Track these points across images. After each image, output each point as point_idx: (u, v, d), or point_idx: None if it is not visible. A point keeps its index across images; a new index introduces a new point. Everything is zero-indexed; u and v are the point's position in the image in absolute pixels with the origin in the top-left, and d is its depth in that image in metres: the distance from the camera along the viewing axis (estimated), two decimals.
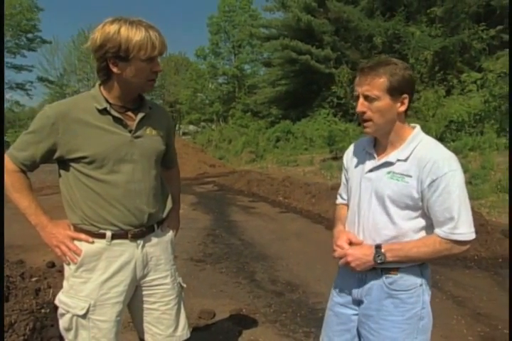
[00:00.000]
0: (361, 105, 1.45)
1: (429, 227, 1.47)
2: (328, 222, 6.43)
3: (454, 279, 3.96)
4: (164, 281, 1.75)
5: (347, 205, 1.70)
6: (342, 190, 1.76)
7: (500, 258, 4.64)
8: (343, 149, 14.58)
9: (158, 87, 48.31)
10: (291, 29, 21.95)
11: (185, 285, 1.90)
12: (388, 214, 1.47)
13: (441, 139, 13.23)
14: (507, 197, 7.68)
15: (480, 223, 5.11)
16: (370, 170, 1.53)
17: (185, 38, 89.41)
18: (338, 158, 14.10)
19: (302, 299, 3.51)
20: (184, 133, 42.12)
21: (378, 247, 1.45)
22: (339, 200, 1.79)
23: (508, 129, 11.87)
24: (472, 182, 8.55)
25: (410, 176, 1.43)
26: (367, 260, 1.45)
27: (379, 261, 1.43)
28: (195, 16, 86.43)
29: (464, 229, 1.40)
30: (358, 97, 1.47)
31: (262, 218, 6.97)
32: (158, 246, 1.73)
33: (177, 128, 46.64)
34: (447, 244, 1.42)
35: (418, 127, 1.53)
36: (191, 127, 42.05)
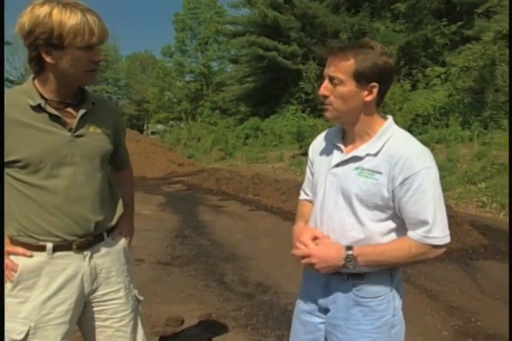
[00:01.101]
0: (324, 88, 1.31)
1: (400, 230, 1.33)
2: None
3: (426, 273, 3.93)
4: (117, 295, 1.58)
5: (311, 202, 1.56)
6: (306, 185, 1.61)
7: (470, 249, 4.66)
8: None
9: (124, 86, 47.45)
10: (257, 25, 21.80)
11: (142, 298, 1.73)
12: (356, 214, 1.32)
13: (409, 132, 13.42)
14: (473, 188, 7.80)
15: (449, 215, 5.10)
16: (337, 165, 1.38)
17: (151, 36, 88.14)
18: (307, 153, 13.97)
19: (274, 300, 3.40)
20: (152, 133, 41.49)
21: (349, 249, 1.29)
22: (302, 196, 1.63)
23: (471, 122, 12.13)
24: (439, 174, 8.63)
25: (380, 173, 1.28)
26: (335, 264, 1.30)
27: (350, 267, 1.29)
28: (160, 13, 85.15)
29: (439, 233, 1.27)
30: (323, 79, 1.33)
31: (231, 217, 6.83)
32: (109, 257, 1.56)
33: (145, 127, 45.91)
34: (422, 248, 1.28)
35: (390, 119, 1.38)
36: (159, 126, 41.43)
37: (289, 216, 6.62)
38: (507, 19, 11.05)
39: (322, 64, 15.21)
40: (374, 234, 1.31)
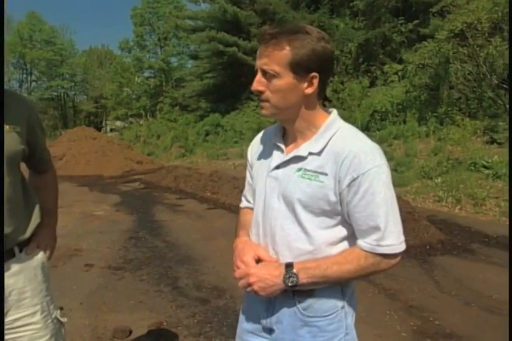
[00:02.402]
0: (257, 83, 1.14)
1: (352, 237, 1.17)
2: None
3: None
4: (32, 320, 1.36)
5: (252, 209, 1.39)
6: (247, 191, 1.42)
7: (427, 245, 4.65)
8: None
9: (81, 82, 45.93)
10: (217, 21, 21.54)
11: (65, 320, 1.50)
12: (300, 222, 1.15)
13: (367, 129, 13.58)
14: (430, 182, 7.91)
15: (407, 211, 5.12)
16: (277, 167, 1.21)
17: (108, 30, 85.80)
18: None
19: (229, 305, 3.23)
20: (111, 130, 40.43)
21: (289, 266, 1.12)
22: (243, 203, 1.45)
23: (428, 118, 12.38)
24: (397, 169, 8.74)
25: (325, 174, 1.12)
26: (274, 282, 1.12)
27: (290, 284, 1.11)
28: (118, 7, 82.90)
29: (393, 240, 1.11)
30: (256, 72, 1.15)
31: (188, 216, 6.61)
32: (22, 275, 1.34)
33: (103, 124, 44.66)
34: (374, 258, 1.11)
35: (335, 112, 1.21)
36: (118, 123, 40.41)
37: None
38: (460, 19, 11.32)
39: None
40: (322, 244, 1.15)
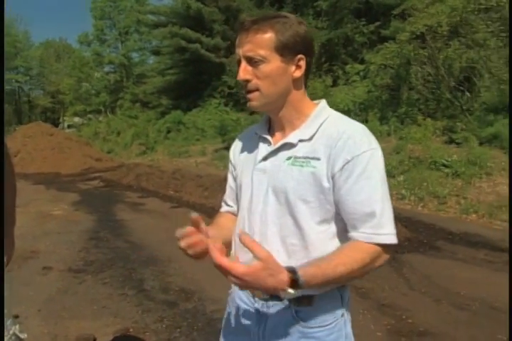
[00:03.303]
0: (243, 71, 1.06)
1: (346, 234, 1.07)
2: None
3: None
4: None
5: (233, 214, 1.29)
6: (228, 196, 1.31)
7: None
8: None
9: (37, 76, 44.21)
10: (180, 16, 21.15)
11: (25, 336, 1.34)
12: (293, 214, 1.06)
13: None
14: (393, 181, 8.03)
15: None
16: (264, 159, 1.13)
17: (66, 23, 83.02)
18: (230, 147, 14.00)
19: (199, 308, 3.10)
20: (69, 126, 39.17)
21: (292, 272, 0.90)
22: (223, 208, 1.33)
23: (388, 117, 12.62)
24: None
25: (318, 159, 1.04)
26: (274, 287, 0.90)
27: (292, 292, 0.92)
28: None
29: (390, 229, 1.02)
30: (239, 62, 1.08)
31: (151, 215, 6.41)
32: None
33: (61, 120, 43.19)
34: (374, 250, 1.00)
35: (324, 101, 1.16)
36: (76, 119, 39.22)
37: (213, 213, 6.25)
38: (420, 21, 11.59)
39: None
40: (316, 240, 1.05)
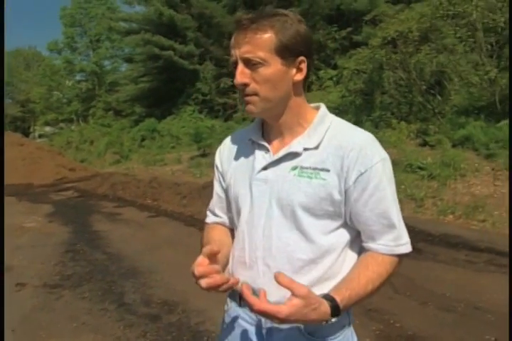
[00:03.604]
0: (241, 74, 0.98)
1: (355, 242, 1.05)
2: (201, 223, 6.00)
3: None
4: None
5: (223, 225, 1.21)
6: (215, 205, 1.23)
7: None
8: (211, 146, 14.62)
9: (6, 85, 43.18)
10: (152, 24, 21.01)
11: None
12: (301, 228, 1.00)
13: None
14: None
15: None
16: (265, 168, 1.05)
17: (35, 30, 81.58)
18: (206, 155, 14.02)
19: (183, 321, 3.01)
20: (40, 136, 38.32)
21: (331, 300, 0.90)
22: (210, 218, 1.25)
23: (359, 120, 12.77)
24: None
25: (327, 170, 0.99)
26: (313, 321, 0.88)
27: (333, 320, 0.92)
28: (46, 6, 78.98)
29: (407, 237, 1.03)
30: (235, 64, 1.00)
31: (129, 225, 6.27)
32: None
33: (31, 130, 42.23)
34: (395, 261, 1.01)
35: (324, 106, 1.09)
36: (48, 128, 38.44)
37: (192, 221, 6.27)
38: (391, 27, 11.82)
39: (219, 65, 15.18)
40: (326, 252, 1.00)
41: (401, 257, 1.02)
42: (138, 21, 22.15)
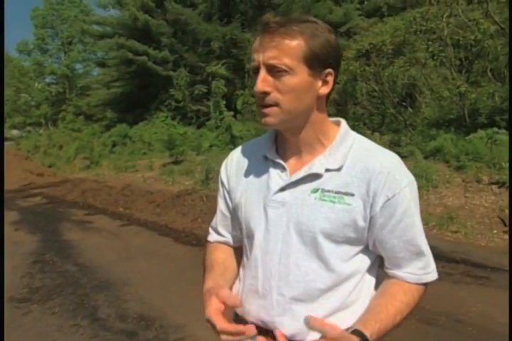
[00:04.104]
0: (262, 82, 0.90)
1: (372, 266, 1.00)
2: (176, 233, 5.91)
3: None
4: None
5: (227, 244, 1.15)
6: (219, 222, 1.16)
7: None
8: (184, 153, 14.45)
9: None
10: (127, 28, 20.78)
11: None
12: (321, 256, 0.93)
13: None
14: None
15: None
16: (282, 189, 0.97)
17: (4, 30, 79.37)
18: (178, 162, 13.83)
19: (161, 337, 2.90)
20: (6, 139, 37.09)
21: (361, 335, 0.86)
22: (213, 236, 1.18)
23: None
24: None
25: (352, 194, 0.92)
26: None
27: None
28: (16, 5, 76.93)
29: (434, 264, 0.99)
30: (256, 69, 0.92)
31: (101, 234, 6.08)
32: None
33: None
34: (422, 290, 0.98)
35: (344, 122, 1.02)
36: (14, 132, 37.29)
37: (166, 231, 6.15)
38: (366, 40, 12.06)
39: (194, 72, 15.09)
40: (344, 280, 0.95)
41: (427, 285, 0.99)
42: (112, 25, 21.89)
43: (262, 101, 0.92)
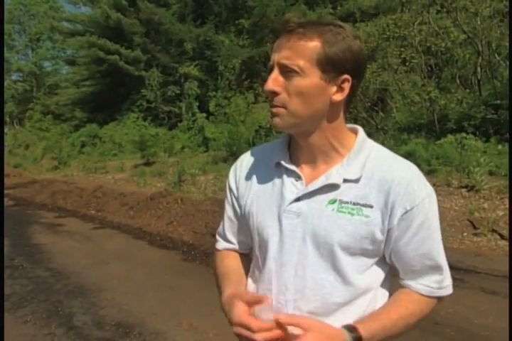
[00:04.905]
0: (273, 81, 0.88)
1: (386, 278, 0.98)
2: (151, 236, 5.82)
3: None
4: None
5: (236, 252, 1.11)
6: (227, 229, 1.11)
7: None
8: (155, 154, 14.27)
9: None
10: (98, 26, 20.41)
11: None
12: (338, 268, 0.91)
13: (253, 144, 13.84)
14: None
15: None
16: (298, 199, 0.93)
17: None
18: (150, 163, 13.68)
19: None
20: None
21: (353, 329, 0.85)
22: (222, 244, 1.14)
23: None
24: None
25: (371, 206, 0.89)
26: None
27: None
28: None
29: (450, 279, 0.97)
30: (271, 69, 0.90)
31: (73, 237, 5.92)
32: None
33: None
34: (433, 303, 0.96)
35: (361, 130, 0.98)
36: None
37: (140, 234, 6.04)
38: None
39: (166, 72, 14.92)
40: (362, 293, 0.93)
41: (440, 299, 0.98)
42: (83, 23, 21.45)
43: (271, 101, 0.90)
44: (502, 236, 5.01)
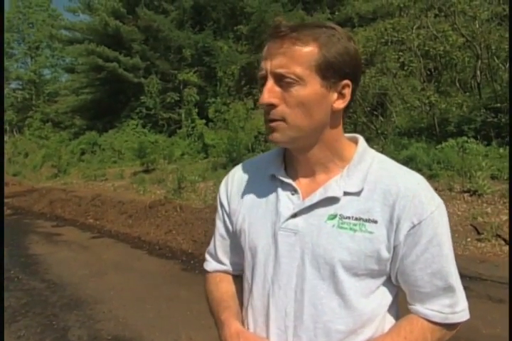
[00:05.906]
0: (269, 92, 0.80)
1: (393, 303, 0.89)
2: (149, 245, 5.74)
3: None
4: None
5: (229, 273, 1.03)
6: (218, 247, 1.03)
7: None
8: (155, 162, 14.21)
9: None
10: (97, 34, 20.47)
11: None
12: (341, 292, 0.82)
13: (252, 150, 13.79)
14: None
15: None
16: (294, 215, 0.85)
17: None
18: (149, 170, 13.61)
19: None
20: None
21: None
22: (212, 265, 1.06)
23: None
24: None
25: (375, 221, 0.81)
26: None
27: None
28: None
29: (465, 303, 0.87)
30: (264, 79, 0.82)
31: (70, 247, 5.85)
32: None
33: None
34: (441, 331, 0.85)
35: (362, 139, 0.92)
36: None
37: (139, 243, 5.96)
38: None
39: (165, 79, 14.94)
40: (368, 319, 0.83)
41: (452, 327, 0.87)
42: (82, 30, 21.52)
43: (268, 114, 0.82)
44: (506, 242, 4.93)
